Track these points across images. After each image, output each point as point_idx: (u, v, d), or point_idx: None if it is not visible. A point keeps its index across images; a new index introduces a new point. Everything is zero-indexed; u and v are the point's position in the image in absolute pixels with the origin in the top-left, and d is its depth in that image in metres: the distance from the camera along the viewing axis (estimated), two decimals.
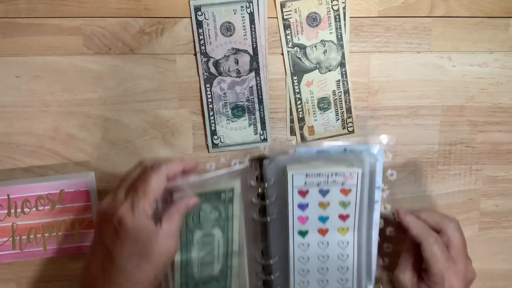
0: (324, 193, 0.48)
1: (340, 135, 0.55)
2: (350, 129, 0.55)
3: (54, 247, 0.52)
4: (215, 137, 0.54)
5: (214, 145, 0.54)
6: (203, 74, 0.52)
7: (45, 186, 0.51)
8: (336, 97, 0.54)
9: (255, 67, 0.53)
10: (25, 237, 0.51)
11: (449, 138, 0.56)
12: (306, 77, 0.54)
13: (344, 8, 0.52)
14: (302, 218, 0.50)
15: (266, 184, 0.50)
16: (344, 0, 0.52)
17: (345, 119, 0.55)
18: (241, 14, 0.51)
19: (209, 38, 0.52)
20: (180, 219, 0.43)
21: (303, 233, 0.50)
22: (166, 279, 0.50)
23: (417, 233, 0.48)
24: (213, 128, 0.54)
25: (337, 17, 0.52)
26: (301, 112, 0.54)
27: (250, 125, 0.54)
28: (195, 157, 0.54)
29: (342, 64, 0.53)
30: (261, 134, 0.55)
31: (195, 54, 0.52)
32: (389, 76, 0.54)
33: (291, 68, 0.53)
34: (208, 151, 0.54)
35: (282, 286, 0.53)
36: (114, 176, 0.54)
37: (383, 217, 0.53)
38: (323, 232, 0.50)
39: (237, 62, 0.52)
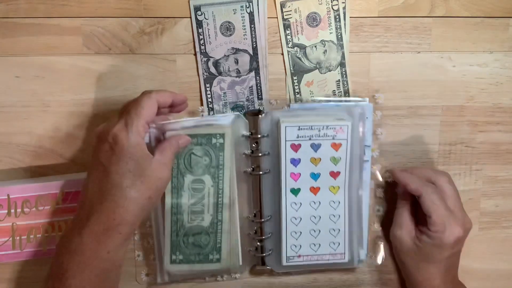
0: (315, 147, 0.50)
1: None
2: None
3: (54, 247, 0.52)
4: None
5: None
6: (203, 74, 0.52)
7: (45, 186, 0.51)
8: (336, 97, 0.54)
9: (255, 67, 0.53)
10: (25, 237, 0.51)
11: (449, 138, 0.56)
12: (306, 77, 0.54)
13: (344, 8, 0.52)
14: (294, 175, 0.51)
15: (259, 136, 0.51)
16: (344, 0, 0.52)
17: None
18: (241, 13, 0.51)
19: (209, 38, 0.52)
20: (172, 153, 0.45)
21: (295, 191, 0.51)
22: (157, 223, 0.51)
23: (415, 186, 0.49)
24: None
25: (337, 17, 0.52)
26: None
27: None
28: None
29: (342, 64, 0.53)
30: None
31: (195, 54, 0.52)
32: (389, 76, 0.54)
33: (291, 68, 0.53)
34: None
35: (274, 249, 0.53)
36: None
37: (374, 178, 0.54)
38: (314, 190, 0.51)
39: (237, 62, 0.52)
